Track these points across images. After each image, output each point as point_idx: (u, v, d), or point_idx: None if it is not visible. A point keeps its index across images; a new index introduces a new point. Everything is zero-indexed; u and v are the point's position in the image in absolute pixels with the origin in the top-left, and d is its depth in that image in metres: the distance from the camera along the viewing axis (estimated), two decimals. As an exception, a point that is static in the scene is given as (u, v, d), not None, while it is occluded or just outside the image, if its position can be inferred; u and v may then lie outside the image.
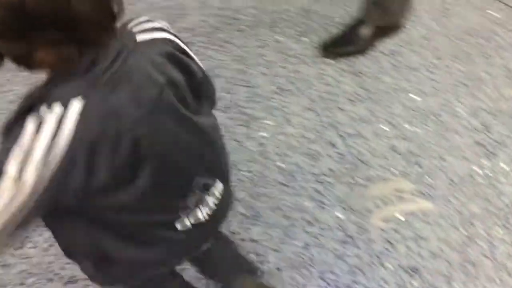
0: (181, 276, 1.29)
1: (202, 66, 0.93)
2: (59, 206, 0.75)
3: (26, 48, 0.68)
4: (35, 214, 0.75)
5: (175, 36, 0.89)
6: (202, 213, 0.96)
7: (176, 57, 0.85)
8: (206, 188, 0.95)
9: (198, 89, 0.90)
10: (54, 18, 0.65)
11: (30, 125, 0.69)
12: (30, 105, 0.71)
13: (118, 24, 0.75)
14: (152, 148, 0.79)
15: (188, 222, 0.95)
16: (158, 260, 0.99)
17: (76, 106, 0.70)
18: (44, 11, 0.64)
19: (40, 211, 0.75)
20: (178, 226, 0.94)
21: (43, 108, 0.69)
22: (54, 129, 0.69)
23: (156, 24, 0.86)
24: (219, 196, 0.98)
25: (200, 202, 0.95)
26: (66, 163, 0.69)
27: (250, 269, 1.46)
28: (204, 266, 1.32)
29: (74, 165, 0.70)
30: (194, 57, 0.92)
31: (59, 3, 0.65)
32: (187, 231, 0.95)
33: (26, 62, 0.71)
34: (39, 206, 0.72)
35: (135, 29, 0.82)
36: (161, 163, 0.82)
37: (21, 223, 0.72)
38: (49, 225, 0.89)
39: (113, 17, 0.73)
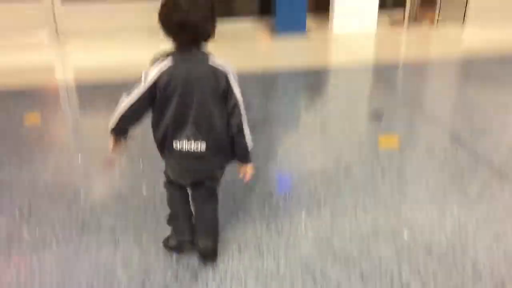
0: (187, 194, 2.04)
1: (237, 96, 1.79)
2: (152, 98, 1.76)
3: (174, 37, 1.72)
4: (145, 99, 1.75)
5: (231, 74, 1.77)
6: (183, 146, 1.79)
7: (215, 76, 1.77)
8: (190, 137, 1.79)
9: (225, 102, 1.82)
10: (192, 29, 1.70)
11: (152, 66, 1.73)
12: (156, 58, 1.75)
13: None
14: (179, 93, 1.74)
15: (178, 145, 1.80)
16: (171, 163, 1.90)
17: (167, 64, 1.72)
18: (189, 25, 1.69)
19: (146, 99, 1.75)
20: (174, 144, 1.80)
21: (158, 61, 1.74)
22: (157, 69, 1.72)
23: (226, 65, 1.78)
24: (196, 149, 1.80)
25: (185, 138, 1.79)
26: (155, 80, 1.73)
27: (211, 234, 2.03)
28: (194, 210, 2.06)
29: (156, 81, 1.73)
30: (235, 90, 1.78)
31: (200, 24, 1.71)
32: (178, 152, 1.80)
33: (173, 41, 1.73)
34: (146, 95, 1.74)
35: (212, 56, 1.78)
36: (179, 102, 1.75)
37: (139, 105, 1.76)
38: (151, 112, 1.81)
39: (208, 38, 1.77)
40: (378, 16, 5.66)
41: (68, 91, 4.11)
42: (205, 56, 1.76)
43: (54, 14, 5.32)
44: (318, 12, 5.80)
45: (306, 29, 5.51)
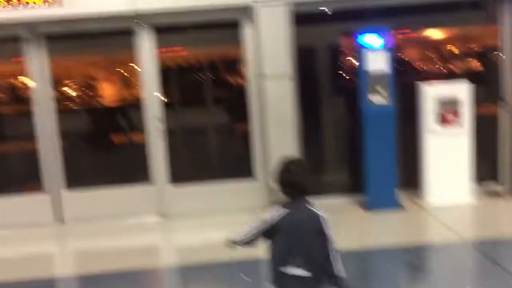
0: None
1: (327, 233, 2.51)
2: (268, 233, 2.54)
3: (286, 191, 2.57)
4: (261, 233, 2.56)
5: (323, 216, 2.52)
6: (292, 272, 2.46)
7: (318, 223, 2.50)
8: (298, 265, 2.45)
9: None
10: (298, 187, 2.55)
11: (271, 210, 2.55)
12: (273, 205, 2.58)
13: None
14: (289, 232, 2.49)
15: (288, 270, 2.46)
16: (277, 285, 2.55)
17: (280, 210, 2.52)
18: (297, 184, 2.55)
19: (262, 233, 2.55)
20: (285, 270, 2.47)
21: (276, 206, 2.56)
22: (274, 213, 2.52)
23: (320, 210, 2.55)
24: (301, 274, 2.45)
25: (294, 266, 2.45)
26: (272, 221, 2.52)
27: None
28: None
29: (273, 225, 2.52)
30: (325, 228, 2.50)
31: (304, 184, 2.56)
32: (287, 277, 2.47)
33: (284, 194, 2.57)
34: (263, 230, 2.54)
35: (312, 203, 2.57)
36: (289, 238, 2.49)
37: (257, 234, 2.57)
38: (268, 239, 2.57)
39: (309, 193, 2.57)
40: (473, 188, 5.63)
41: (174, 272, 4.40)
42: (307, 204, 2.56)
43: (163, 196, 5.92)
44: (410, 186, 5.90)
45: (398, 204, 5.59)
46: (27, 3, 5.30)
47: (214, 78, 6.32)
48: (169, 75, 6.06)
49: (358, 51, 5.51)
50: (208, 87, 6.27)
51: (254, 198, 5.91)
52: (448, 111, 5.50)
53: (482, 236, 4.69)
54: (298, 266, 2.47)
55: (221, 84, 6.38)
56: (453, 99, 5.49)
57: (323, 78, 6.12)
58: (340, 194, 6.04)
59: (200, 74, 6.28)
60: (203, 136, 6.35)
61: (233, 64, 6.30)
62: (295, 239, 2.49)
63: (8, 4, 5.31)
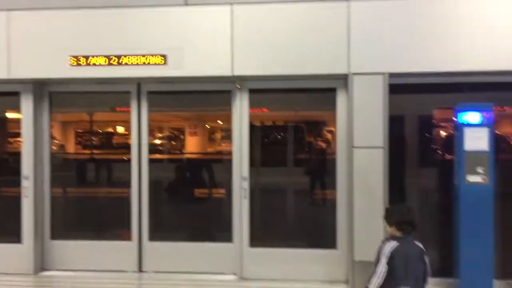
0: None
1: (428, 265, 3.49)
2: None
3: (402, 228, 3.53)
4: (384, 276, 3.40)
5: (425, 251, 3.49)
6: None
7: (422, 253, 3.48)
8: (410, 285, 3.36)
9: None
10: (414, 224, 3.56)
11: (386, 243, 3.48)
12: (386, 239, 3.58)
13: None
14: (402, 257, 3.40)
15: None
16: None
17: (395, 244, 3.43)
18: (414, 222, 3.56)
19: (384, 275, 3.39)
20: None
21: (389, 242, 3.48)
22: (389, 247, 3.42)
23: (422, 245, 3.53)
24: None
25: (406, 286, 3.35)
26: (390, 256, 3.39)
27: None
28: None
29: (391, 256, 3.39)
30: (427, 261, 3.49)
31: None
32: None
33: (399, 231, 3.54)
34: (384, 273, 3.38)
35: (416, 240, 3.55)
36: (401, 263, 3.38)
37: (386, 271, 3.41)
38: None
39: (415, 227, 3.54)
40: None
41: None
42: (415, 240, 3.53)
43: (241, 256, 5.87)
44: (509, 277, 5.42)
45: (493, 296, 5.14)
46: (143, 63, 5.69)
47: (304, 142, 6.35)
48: (259, 136, 6.16)
49: (457, 127, 5.30)
50: (298, 152, 6.29)
51: (334, 269, 5.71)
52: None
53: None
54: (409, 286, 3.40)
55: (309, 149, 6.39)
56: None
57: (414, 150, 5.92)
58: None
59: (289, 137, 6.33)
60: (286, 200, 6.31)
61: (323, 130, 6.32)
62: (409, 266, 3.41)
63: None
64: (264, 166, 6.18)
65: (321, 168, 6.16)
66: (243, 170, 5.87)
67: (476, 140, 5.17)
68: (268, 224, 6.13)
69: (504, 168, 5.52)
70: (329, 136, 6.12)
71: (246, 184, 5.86)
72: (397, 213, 3.61)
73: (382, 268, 3.41)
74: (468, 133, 5.19)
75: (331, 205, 5.81)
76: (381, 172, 5.26)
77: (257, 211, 6.02)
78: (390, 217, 3.61)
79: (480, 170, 5.16)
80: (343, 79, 5.53)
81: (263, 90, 5.94)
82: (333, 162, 5.80)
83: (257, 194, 6.04)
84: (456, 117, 5.31)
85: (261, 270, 5.82)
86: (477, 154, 5.16)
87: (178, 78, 5.72)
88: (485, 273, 5.15)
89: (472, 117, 5.19)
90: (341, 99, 5.68)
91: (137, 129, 6.09)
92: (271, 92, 6.02)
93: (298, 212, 6.23)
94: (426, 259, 3.50)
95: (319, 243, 5.87)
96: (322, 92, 5.83)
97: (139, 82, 6.03)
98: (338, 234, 5.75)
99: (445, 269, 5.42)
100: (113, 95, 6.23)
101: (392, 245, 3.44)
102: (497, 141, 5.62)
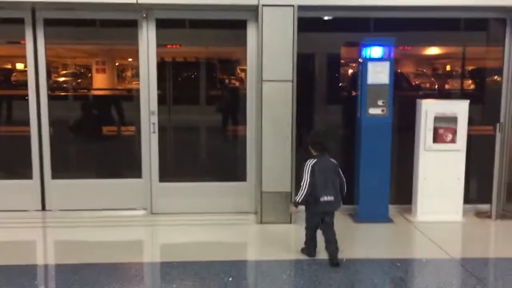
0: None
1: (341, 174, 4.38)
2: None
3: (317, 149, 4.37)
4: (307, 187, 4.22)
5: (338, 165, 4.38)
6: (327, 198, 4.19)
7: (336, 167, 4.35)
8: (329, 194, 4.20)
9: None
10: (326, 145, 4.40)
11: (307, 161, 4.29)
12: (307, 159, 4.30)
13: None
14: (320, 170, 4.21)
15: (323, 198, 4.17)
16: (319, 211, 4.26)
17: (313, 160, 4.25)
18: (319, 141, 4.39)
19: (307, 186, 4.21)
20: (321, 199, 4.17)
21: (309, 160, 4.27)
22: (309, 164, 4.24)
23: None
24: (330, 199, 4.20)
25: (326, 194, 4.18)
26: (310, 171, 4.20)
27: (334, 246, 4.33)
28: (324, 232, 4.34)
29: (311, 170, 4.22)
30: (341, 174, 4.38)
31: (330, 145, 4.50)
32: (323, 202, 4.18)
33: (314, 151, 4.36)
34: (307, 185, 4.21)
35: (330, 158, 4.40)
36: (320, 175, 4.20)
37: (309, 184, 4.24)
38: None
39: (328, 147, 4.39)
40: (464, 207, 5.63)
41: (154, 268, 4.31)
42: (329, 157, 4.35)
43: (151, 191, 5.82)
44: (402, 201, 5.88)
45: (388, 219, 5.57)
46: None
47: (216, 79, 6.28)
48: (167, 72, 5.99)
49: (360, 61, 5.50)
50: (206, 86, 6.21)
51: (243, 201, 5.86)
52: (444, 129, 5.49)
53: (468, 254, 4.68)
54: (330, 195, 4.23)
55: (221, 86, 6.33)
56: (451, 117, 5.49)
57: (320, 86, 6.09)
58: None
59: (201, 74, 6.22)
60: (196, 135, 6.28)
61: (233, 65, 6.27)
62: (327, 178, 4.25)
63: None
64: (175, 104, 6.06)
65: (233, 105, 6.15)
66: (152, 104, 5.72)
67: (378, 74, 5.42)
68: (179, 159, 6.10)
69: (403, 104, 5.86)
70: (241, 73, 6.09)
71: (154, 119, 5.74)
72: (314, 135, 4.61)
73: (304, 181, 4.22)
74: (371, 67, 5.41)
75: (242, 140, 5.88)
76: (289, 105, 5.35)
77: (167, 148, 5.94)
78: (310, 139, 4.49)
79: (380, 102, 5.44)
80: (254, 11, 5.47)
81: (172, 23, 5.73)
82: (244, 98, 5.82)
83: (167, 131, 5.94)
84: (361, 52, 5.50)
85: (171, 204, 5.82)
86: (378, 87, 5.42)
87: (77, 3, 5.31)
88: (382, 199, 5.55)
89: (375, 51, 5.40)
90: (251, 32, 5.63)
91: (34, 63, 5.65)
92: (181, 26, 5.83)
93: (209, 148, 6.25)
94: (340, 172, 4.37)
95: (230, 177, 5.96)
96: (233, 26, 5.73)
97: (33, 7, 5.53)
98: (248, 167, 5.86)
99: (348, 197, 5.75)
100: (7, 25, 5.70)
101: (311, 161, 4.28)
102: (398, 78, 5.96)
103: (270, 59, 5.30)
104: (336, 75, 6.31)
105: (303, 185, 4.20)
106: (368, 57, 5.40)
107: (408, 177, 5.76)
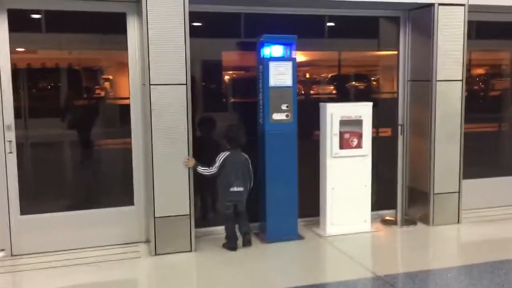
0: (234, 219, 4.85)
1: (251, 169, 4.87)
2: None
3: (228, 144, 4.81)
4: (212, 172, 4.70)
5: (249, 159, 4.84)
6: (237, 188, 4.69)
7: (247, 161, 4.84)
8: (239, 185, 4.71)
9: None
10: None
11: (221, 153, 4.72)
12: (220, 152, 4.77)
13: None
14: (232, 163, 4.68)
15: (233, 188, 4.69)
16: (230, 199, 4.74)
17: (226, 153, 4.70)
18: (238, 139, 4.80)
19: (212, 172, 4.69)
20: (231, 189, 4.68)
21: (223, 153, 4.71)
22: (222, 156, 4.69)
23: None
24: (239, 190, 4.71)
25: (236, 185, 4.68)
26: (221, 162, 4.67)
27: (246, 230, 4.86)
28: (238, 220, 4.85)
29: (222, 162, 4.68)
30: (251, 168, 4.86)
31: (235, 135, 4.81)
32: (233, 192, 4.69)
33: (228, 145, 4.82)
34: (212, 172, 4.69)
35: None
36: (231, 168, 4.68)
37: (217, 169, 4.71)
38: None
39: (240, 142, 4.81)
40: (371, 216, 5.33)
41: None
42: (241, 151, 4.74)
43: (10, 227, 4.61)
44: (310, 216, 5.40)
45: (298, 236, 5.05)
46: None
47: (85, 87, 5.22)
48: (24, 79, 4.82)
49: (260, 62, 4.92)
50: (78, 99, 5.15)
51: (131, 229, 4.93)
52: (350, 133, 5.13)
53: (391, 270, 4.27)
54: (240, 186, 4.64)
55: (90, 95, 5.27)
56: (355, 120, 5.15)
57: (212, 91, 5.41)
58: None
59: (66, 83, 5.13)
60: (67, 154, 5.15)
61: (109, 69, 5.29)
62: (238, 169, 4.65)
63: None
64: (37, 117, 4.91)
65: (111, 115, 5.19)
66: (6, 118, 4.52)
67: (281, 75, 4.88)
68: (45, 185, 4.94)
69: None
70: (120, 77, 5.15)
71: (11, 136, 4.54)
72: (229, 130, 4.78)
73: (213, 168, 4.62)
74: (272, 68, 4.85)
75: (127, 156, 4.93)
76: (184, 112, 4.55)
77: (29, 170, 4.77)
78: (225, 133, 4.77)
79: (284, 106, 4.91)
80: (135, 2, 4.60)
81: (29, 20, 4.63)
82: (125, 105, 4.89)
83: (27, 149, 4.78)
84: (259, 51, 4.92)
85: (38, 241, 4.65)
86: (281, 90, 4.88)
87: None
88: (290, 214, 5.01)
89: (276, 50, 4.86)
90: (133, 28, 4.75)
91: None
92: (43, 21, 4.76)
93: (84, 169, 5.15)
94: (250, 166, 4.79)
95: (112, 202, 4.96)
96: (111, 20, 4.80)
97: None
98: (135, 189, 4.93)
99: (252, 213, 5.10)
100: None
101: (224, 154, 4.65)
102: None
103: (159, 59, 4.45)
104: (229, 79, 5.66)
105: (209, 170, 4.62)
106: (268, 57, 4.83)
107: (309, 187, 5.28)
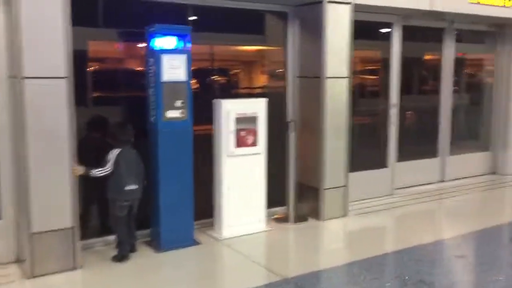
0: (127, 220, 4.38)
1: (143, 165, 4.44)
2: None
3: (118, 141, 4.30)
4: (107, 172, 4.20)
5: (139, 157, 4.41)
6: (132, 186, 4.25)
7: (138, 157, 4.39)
8: (134, 182, 4.28)
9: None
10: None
11: (112, 151, 4.23)
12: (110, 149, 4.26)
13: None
14: (125, 160, 4.23)
15: (129, 187, 4.23)
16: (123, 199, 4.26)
17: (118, 150, 4.21)
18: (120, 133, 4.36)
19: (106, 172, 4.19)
20: (126, 187, 4.22)
21: (114, 149, 4.22)
22: (114, 154, 4.19)
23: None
24: (134, 188, 4.27)
25: (130, 183, 4.23)
26: (114, 160, 4.18)
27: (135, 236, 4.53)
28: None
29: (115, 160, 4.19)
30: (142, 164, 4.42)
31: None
32: (128, 190, 4.24)
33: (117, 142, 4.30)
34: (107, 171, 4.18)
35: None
36: (125, 165, 4.22)
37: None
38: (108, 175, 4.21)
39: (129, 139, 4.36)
40: (265, 214, 5.22)
41: None
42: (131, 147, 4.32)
43: None
44: (203, 218, 5.10)
45: (194, 241, 4.74)
46: None
47: None
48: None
49: (151, 55, 4.47)
50: None
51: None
52: (246, 131, 4.95)
53: (298, 271, 4.18)
54: (134, 183, 4.27)
55: None
56: (250, 117, 4.97)
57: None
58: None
59: None
60: None
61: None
62: (131, 167, 4.27)
63: None
64: None
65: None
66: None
67: (174, 69, 4.48)
68: None
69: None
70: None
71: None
72: (118, 126, 4.39)
73: (107, 168, 4.16)
74: (165, 61, 4.43)
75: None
76: (65, 108, 3.92)
77: None
78: (114, 129, 4.38)
79: (178, 103, 4.53)
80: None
81: None
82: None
83: None
84: (149, 42, 4.47)
85: None
86: (175, 85, 4.49)
87: None
88: (186, 219, 4.68)
89: (168, 42, 4.45)
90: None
91: None
92: None
93: None
94: (141, 162, 4.39)
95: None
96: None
97: None
98: (2, 199, 4.15)
99: (143, 219, 4.65)
100: None
101: (116, 151, 4.21)
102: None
103: (33, 46, 3.76)
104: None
105: (104, 169, 4.16)
106: (160, 49, 4.41)
107: (200, 186, 4.98)
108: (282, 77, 5.87)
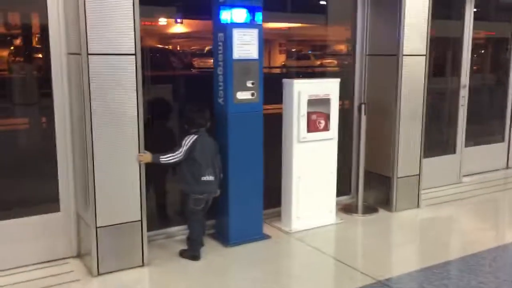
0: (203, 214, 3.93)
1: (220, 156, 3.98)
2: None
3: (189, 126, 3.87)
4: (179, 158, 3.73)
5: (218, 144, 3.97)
6: (209, 177, 3.79)
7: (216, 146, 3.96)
8: (210, 174, 3.79)
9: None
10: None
11: (188, 136, 3.78)
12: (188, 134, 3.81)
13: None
14: (202, 147, 3.78)
15: (205, 178, 3.77)
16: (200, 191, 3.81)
17: (195, 136, 3.77)
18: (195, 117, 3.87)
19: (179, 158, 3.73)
20: (203, 178, 3.76)
21: (190, 135, 3.78)
22: (190, 139, 3.75)
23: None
24: (211, 179, 3.80)
25: (207, 174, 3.78)
26: (190, 146, 3.73)
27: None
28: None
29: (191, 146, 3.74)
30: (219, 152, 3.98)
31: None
32: (205, 181, 3.78)
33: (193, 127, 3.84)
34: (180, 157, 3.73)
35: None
36: (202, 153, 3.77)
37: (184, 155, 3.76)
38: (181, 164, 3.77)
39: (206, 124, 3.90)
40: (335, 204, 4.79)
41: None
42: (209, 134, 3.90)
43: None
44: (267, 208, 4.68)
45: (263, 235, 4.34)
46: None
47: None
48: None
49: (219, 29, 4.02)
50: None
51: (56, 241, 3.79)
52: (317, 114, 4.49)
53: (386, 272, 3.73)
54: (210, 174, 3.83)
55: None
56: (324, 99, 4.51)
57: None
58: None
59: None
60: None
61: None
62: (209, 157, 3.84)
63: None
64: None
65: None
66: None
67: (246, 45, 4.03)
68: None
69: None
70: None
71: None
72: (194, 111, 3.89)
73: (179, 153, 3.74)
74: (236, 36, 3.98)
75: (41, 142, 3.78)
76: (133, 86, 3.51)
77: None
78: (189, 113, 3.89)
79: (249, 83, 4.08)
80: None
81: None
82: (47, 74, 3.68)
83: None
84: (218, 16, 4.01)
85: None
86: (247, 63, 4.04)
87: None
88: (255, 211, 4.27)
89: (239, 14, 3.98)
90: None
91: None
92: None
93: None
94: (219, 153, 3.97)
95: (26, 208, 3.77)
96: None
97: None
98: (61, 189, 3.78)
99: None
100: None
101: (192, 137, 3.79)
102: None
103: (98, 23, 3.33)
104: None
105: (175, 154, 3.73)
106: (230, 23, 3.95)
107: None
108: (348, 55, 5.38)
